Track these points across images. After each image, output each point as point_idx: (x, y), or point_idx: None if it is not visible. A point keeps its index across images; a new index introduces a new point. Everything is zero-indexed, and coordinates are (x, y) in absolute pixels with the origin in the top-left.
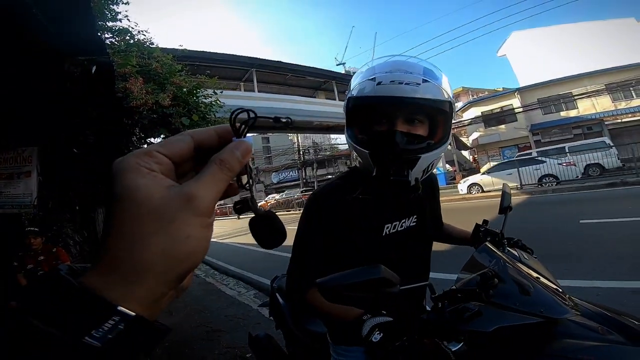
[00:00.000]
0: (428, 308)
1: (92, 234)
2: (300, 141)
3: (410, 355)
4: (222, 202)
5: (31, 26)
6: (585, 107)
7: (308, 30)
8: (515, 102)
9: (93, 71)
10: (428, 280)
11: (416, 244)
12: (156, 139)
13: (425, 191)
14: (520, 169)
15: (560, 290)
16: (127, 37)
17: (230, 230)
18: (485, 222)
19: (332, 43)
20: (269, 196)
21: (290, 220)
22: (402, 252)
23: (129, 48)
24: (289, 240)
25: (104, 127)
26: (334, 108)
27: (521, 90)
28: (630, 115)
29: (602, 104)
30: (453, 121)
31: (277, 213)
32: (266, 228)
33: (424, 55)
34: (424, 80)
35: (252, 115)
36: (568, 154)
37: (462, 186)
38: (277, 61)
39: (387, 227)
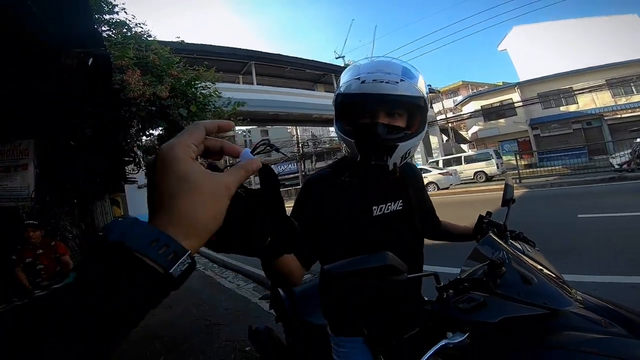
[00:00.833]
0: (425, 299)
1: (89, 227)
2: (299, 134)
3: (415, 347)
4: None
5: (26, 20)
6: (585, 102)
7: (307, 25)
8: (515, 97)
9: (90, 63)
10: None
11: (403, 228)
12: (154, 130)
13: (410, 183)
14: None
15: (564, 282)
16: (125, 30)
17: None
18: (488, 213)
19: (331, 37)
20: None
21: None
22: (389, 234)
23: (126, 40)
24: None
25: (101, 119)
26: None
27: (521, 85)
28: (630, 110)
29: (602, 99)
30: (451, 115)
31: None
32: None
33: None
34: (402, 80)
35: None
36: (463, 162)
37: None
38: (276, 54)
39: (375, 209)
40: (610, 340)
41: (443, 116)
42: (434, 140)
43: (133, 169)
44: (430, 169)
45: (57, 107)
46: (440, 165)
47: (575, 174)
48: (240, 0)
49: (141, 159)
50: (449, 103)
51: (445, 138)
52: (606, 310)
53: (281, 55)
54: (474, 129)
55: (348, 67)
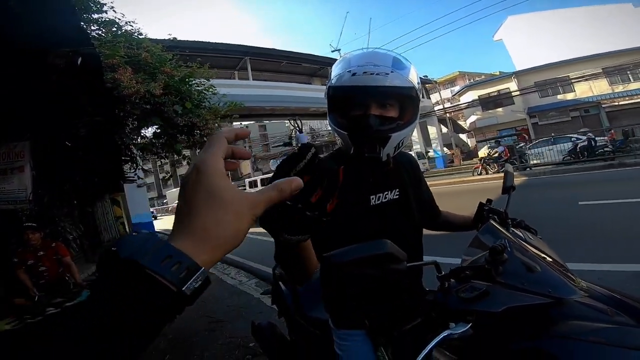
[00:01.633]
0: (427, 289)
1: (90, 229)
2: (300, 125)
3: (417, 339)
4: None
5: (8, 21)
6: (583, 90)
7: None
8: (512, 86)
9: (79, 63)
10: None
11: (400, 217)
12: (150, 128)
13: (407, 173)
14: None
15: (567, 270)
16: (114, 29)
17: None
18: (489, 201)
19: (327, 30)
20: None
21: None
22: (386, 223)
23: (116, 39)
24: None
25: (95, 118)
26: None
27: (518, 74)
28: (627, 98)
29: (599, 87)
30: (449, 105)
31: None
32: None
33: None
34: (392, 71)
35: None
36: None
37: None
38: (272, 49)
39: (373, 199)
40: (617, 330)
41: (441, 106)
42: (432, 130)
43: (131, 168)
44: None
45: (49, 107)
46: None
47: (575, 161)
48: None
49: (138, 157)
50: (446, 93)
51: (444, 128)
52: (612, 299)
53: (276, 49)
54: (472, 118)
55: (339, 60)
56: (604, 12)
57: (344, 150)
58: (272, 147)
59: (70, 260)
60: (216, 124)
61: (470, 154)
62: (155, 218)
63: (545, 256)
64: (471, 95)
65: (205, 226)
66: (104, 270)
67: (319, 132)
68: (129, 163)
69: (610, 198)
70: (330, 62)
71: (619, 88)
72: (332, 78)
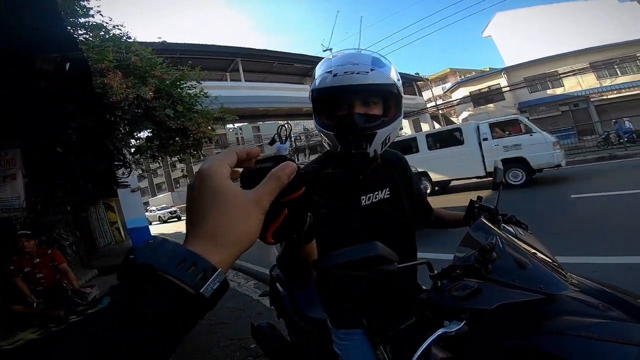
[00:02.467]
0: (423, 287)
1: (85, 234)
2: (291, 128)
3: (414, 337)
4: None
5: None
6: (571, 85)
7: (296, 17)
8: (502, 82)
9: (67, 68)
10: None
11: (392, 216)
12: (142, 133)
13: (397, 171)
14: None
15: (558, 266)
16: (102, 33)
17: None
18: (479, 198)
19: (320, 29)
20: None
21: None
22: (379, 223)
23: (104, 43)
24: None
25: (86, 123)
26: None
27: (507, 70)
28: (615, 92)
29: (588, 82)
30: (441, 102)
31: None
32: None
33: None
34: (372, 69)
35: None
36: None
37: None
38: (263, 49)
39: (364, 199)
40: (609, 325)
41: (433, 103)
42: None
43: (124, 173)
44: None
45: (39, 114)
46: None
47: (566, 154)
48: None
49: (131, 162)
50: (438, 90)
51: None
52: (603, 293)
53: (268, 50)
54: (464, 114)
55: (320, 62)
56: (590, 8)
57: (332, 151)
58: (267, 147)
59: (67, 266)
60: (209, 127)
61: None
62: (150, 224)
63: (536, 252)
64: (462, 92)
65: (215, 227)
66: (123, 277)
67: (312, 132)
68: (122, 168)
69: (602, 191)
70: None
71: (607, 82)
72: (314, 80)
